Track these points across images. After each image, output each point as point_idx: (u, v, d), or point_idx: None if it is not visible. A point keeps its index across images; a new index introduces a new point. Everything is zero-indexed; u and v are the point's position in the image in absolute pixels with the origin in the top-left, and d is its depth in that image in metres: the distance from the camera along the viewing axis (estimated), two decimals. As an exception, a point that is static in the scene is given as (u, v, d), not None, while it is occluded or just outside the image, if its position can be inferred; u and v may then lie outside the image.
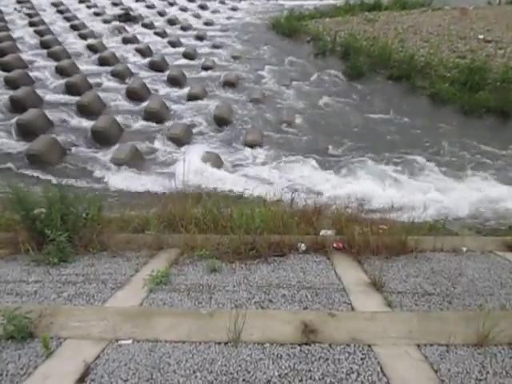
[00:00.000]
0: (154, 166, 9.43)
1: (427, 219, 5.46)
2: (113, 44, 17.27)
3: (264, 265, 4.39)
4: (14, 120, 10.08)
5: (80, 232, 4.69)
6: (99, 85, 13.24)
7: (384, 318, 3.38)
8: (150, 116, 11.59)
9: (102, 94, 12.24)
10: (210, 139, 10.85)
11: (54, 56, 14.46)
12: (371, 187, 7.92)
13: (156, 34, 19.24)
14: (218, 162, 9.57)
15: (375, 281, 3.91)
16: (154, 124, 11.36)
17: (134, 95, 12.64)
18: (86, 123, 10.74)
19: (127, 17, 20.89)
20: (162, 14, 22.88)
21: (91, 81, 13.13)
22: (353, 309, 3.57)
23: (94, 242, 4.74)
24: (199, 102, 12.83)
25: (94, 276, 4.22)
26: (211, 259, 4.39)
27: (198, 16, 23.44)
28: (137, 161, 9.49)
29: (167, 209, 5.28)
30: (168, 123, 11.35)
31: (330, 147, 10.72)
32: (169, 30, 20.26)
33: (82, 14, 20.98)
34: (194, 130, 11.23)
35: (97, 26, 19.15)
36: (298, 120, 12.23)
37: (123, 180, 8.71)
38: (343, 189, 7.91)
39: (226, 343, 3.12)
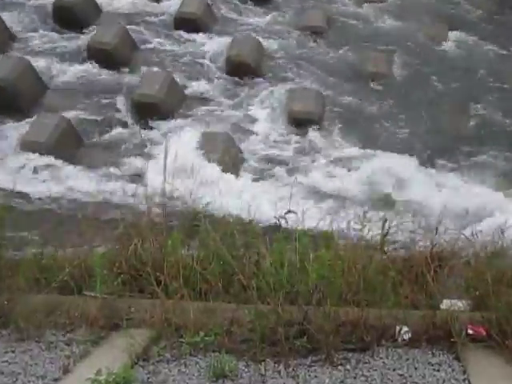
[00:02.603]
0: (103, 159, 9.54)
1: None
2: None
3: (325, 368, 4.35)
4: None
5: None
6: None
7: None
8: (97, 56, 11.68)
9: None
10: (217, 107, 10.90)
11: None
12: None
13: None
14: (231, 155, 9.64)
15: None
16: (106, 72, 11.47)
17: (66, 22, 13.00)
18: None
19: None
20: None
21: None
22: None
23: (-20, 309, 4.92)
24: (196, 31, 12.90)
25: (-20, 377, 4.37)
26: (217, 353, 4.39)
27: None
28: (70, 147, 9.63)
29: (129, 246, 5.30)
30: (133, 76, 11.45)
31: (462, 132, 10.65)
32: None
33: None
34: (188, 91, 11.30)
35: None
36: (395, 70, 12.17)
37: (42, 182, 8.87)
38: (492, 217, 7.84)
39: None
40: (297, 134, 10.44)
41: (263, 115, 10.78)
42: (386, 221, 5.52)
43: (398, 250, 5.67)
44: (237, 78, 11.73)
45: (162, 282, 4.98)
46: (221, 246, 5.20)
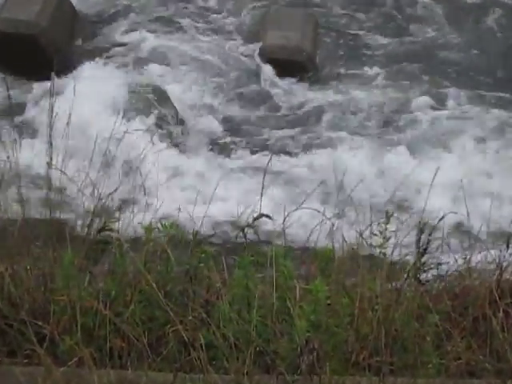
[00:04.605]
0: None
1: None
2: None
3: None
4: None
5: None
6: None
7: None
8: None
9: None
10: (134, 40, 11.08)
11: None
12: None
13: None
14: (163, 119, 9.57)
15: None
16: None
17: None
18: None
19: None
20: None
21: None
22: None
23: None
24: None
25: None
26: None
27: None
28: None
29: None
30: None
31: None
32: None
33: None
34: (86, 12, 11.39)
35: None
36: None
37: None
38: None
39: None
40: (274, 84, 10.41)
41: (217, 53, 10.64)
42: (422, 228, 5.30)
43: (444, 278, 5.30)
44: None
45: (48, 337, 4.54)
46: (146, 274, 4.76)
